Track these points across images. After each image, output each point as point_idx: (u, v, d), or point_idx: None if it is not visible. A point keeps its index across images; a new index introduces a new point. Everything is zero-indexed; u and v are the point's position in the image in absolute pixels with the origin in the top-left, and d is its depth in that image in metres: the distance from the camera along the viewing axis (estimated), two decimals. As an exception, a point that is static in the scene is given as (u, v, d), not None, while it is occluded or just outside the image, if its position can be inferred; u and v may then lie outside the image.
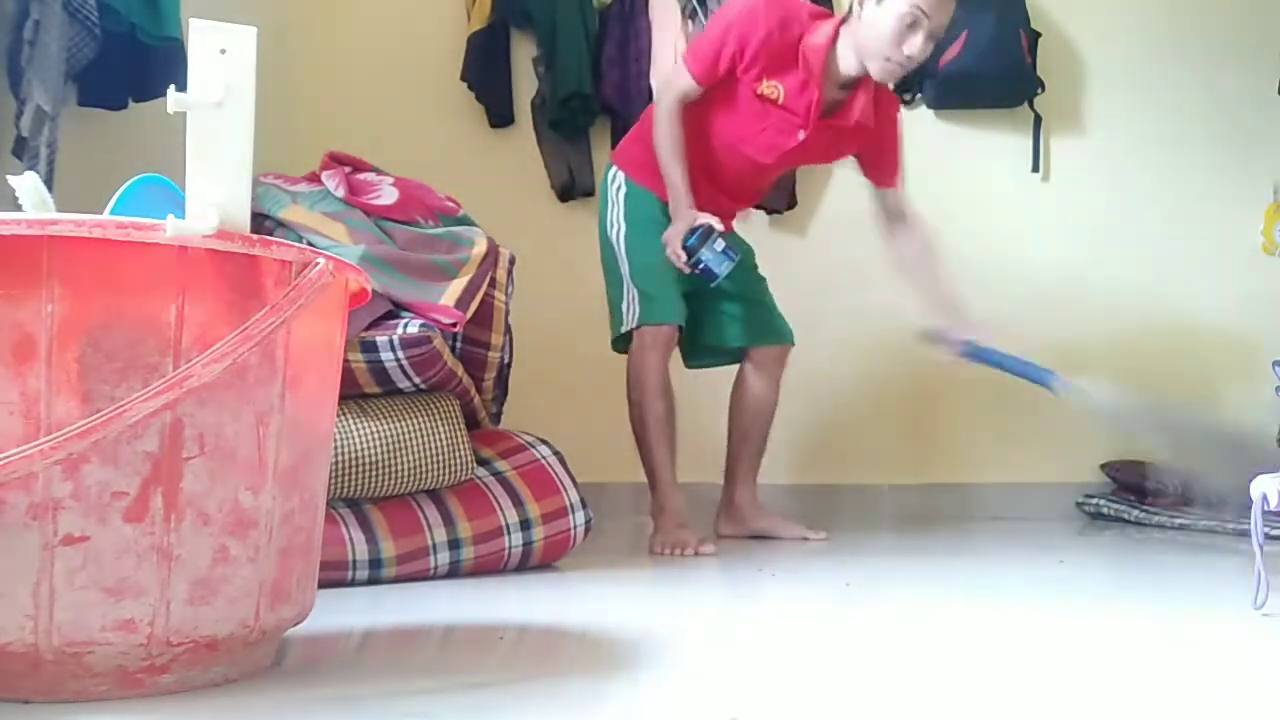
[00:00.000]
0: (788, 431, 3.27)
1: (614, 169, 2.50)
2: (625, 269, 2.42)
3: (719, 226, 2.25)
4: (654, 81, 3.14)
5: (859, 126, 2.35)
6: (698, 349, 2.57)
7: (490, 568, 1.85)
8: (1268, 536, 1.54)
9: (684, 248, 2.24)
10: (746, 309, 2.55)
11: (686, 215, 2.26)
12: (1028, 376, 2.28)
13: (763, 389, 2.56)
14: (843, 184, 3.36)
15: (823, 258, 3.34)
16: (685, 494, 2.43)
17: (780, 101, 2.31)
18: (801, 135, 2.34)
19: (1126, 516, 3.02)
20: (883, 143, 2.44)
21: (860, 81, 2.31)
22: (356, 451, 1.72)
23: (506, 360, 2.11)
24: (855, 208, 3.35)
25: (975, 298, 2.48)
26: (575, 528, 1.92)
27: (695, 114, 2.37)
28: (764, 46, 2.26)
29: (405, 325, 1.73)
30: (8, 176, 1.15)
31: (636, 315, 2.38)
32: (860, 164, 2.52)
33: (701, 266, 2.25)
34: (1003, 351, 2.33)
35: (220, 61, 0.97)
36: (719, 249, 2.25)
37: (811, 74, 2.27)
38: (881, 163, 2.48)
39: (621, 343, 2.45)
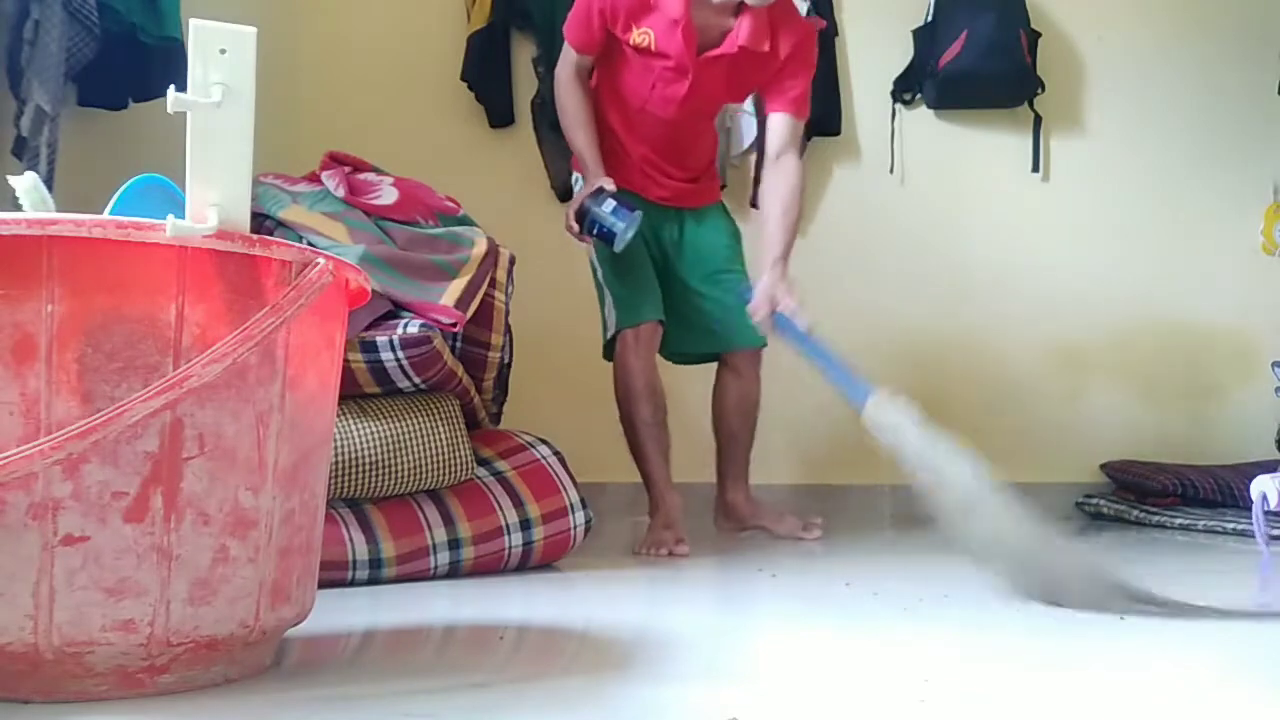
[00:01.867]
0: (788, 432, 3.28)
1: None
2: (600, 275, 2.41)
3: (610, 188, 2.21)
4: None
5: (749, 54, 2.22)
6: (670, 353, 2.54)
7: (490, 568, 1.85)
8: (1271, 537, 1.54)
9: (576, 215, 2.23)
10: (713, 313, 2.47)
11: (590, 182, 2.24)
12: (833, 379, 2.12)
13: (741, 390, 2.52)
14: (842, 184, 3.37)
15: (823, 258, 3.34)
16: (682, 493, 2.42)
17: (654, 48, 2.23)
18: (686, 79, 2.25)
19: (1126, 516, 3.02)
20: (783, 68, 2.28)
21: (743, 7, 2.20)
22: (356, 451, 1.72)
23: (506, 360, 2.11)
24: (855, 208, 3.37)
25: (819, 278, 2.52)
26: (575, 528, 1.92)
27: (608, 90, 2.35)
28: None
29: (405, 325, 1.73)
30: (8, 176, 1.15)
31: (615, 320, 2.37)
32: (761, 94, 2.42)
33: (597, 229, 2.20)
34: (813, 340, 2.19)
35: (220, 61, 0.97)
36: (608, 208, 2.19)
37: (672, 8, 2.17)
38: (777, 87, 2.32)
39: (609, 351, 2.42)
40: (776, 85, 2.32)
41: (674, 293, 2.45)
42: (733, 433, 2.54)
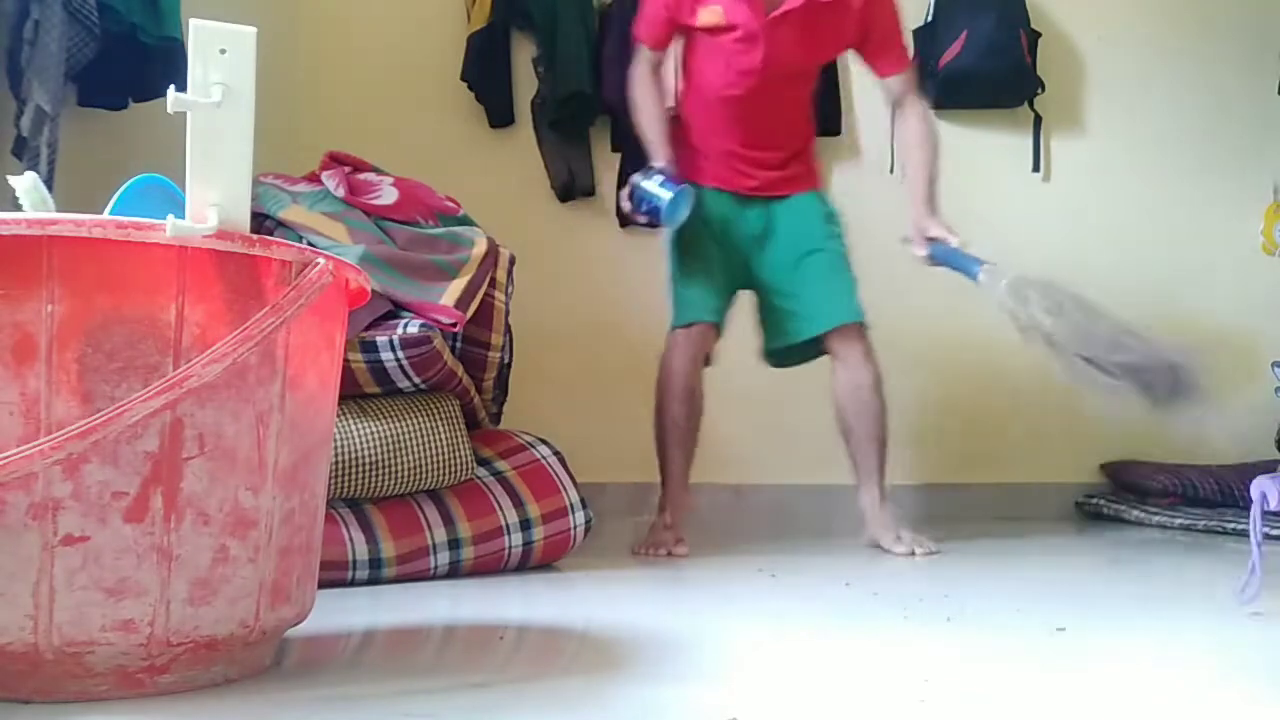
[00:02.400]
0: (787, 432, 3.27)
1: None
2: (668, 271, 2.38)
3: (659, 164, 2.24)
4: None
5: (817, 5, 2.19)
6: (768, 353, 2.48)
7: (490, 568, 1.85)
8: (1267, 536, 1.55)
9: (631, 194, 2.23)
10: (799, 296, 2.38)
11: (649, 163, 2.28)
12: (964, 270, 2.30)
13: (849, 379, 2.36)
14: (842, 184, 3.36)
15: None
16: (696, 498, 2.42)
17: (724, 22, 2.23)
18: (759, 45, 2.23)
19: (1126, 516, 3.02)
20: (872, 25, 2.28)
21: None
22: (356, 451, 1.72)
23: (506, 360, 2.11)
24: (855, 208, 3.36)
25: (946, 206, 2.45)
26: (575, 528, 1.92)
27: (688, 89, 2.39)
28: None
29: (405, 325, 1.74)
30: (8, 176, 1.15)
31: (671, 318, 2.36)
32: (861, 57, 2.39)
33: (645, 205, 2.20)
34: (958, 250, 2.31)
35: (220, 61, 0.97)
36: (655, 181, 2.20)
37: None
38: (876, 49, 2.33)
39: None
40: (869, 49, 2.33)
41: (762, 290, 2.41)
42: (848, 428, 2.39)
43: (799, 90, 2.39)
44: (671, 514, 2.32)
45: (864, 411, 2.35)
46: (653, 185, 2.21)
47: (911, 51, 3.29)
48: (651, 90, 2.37)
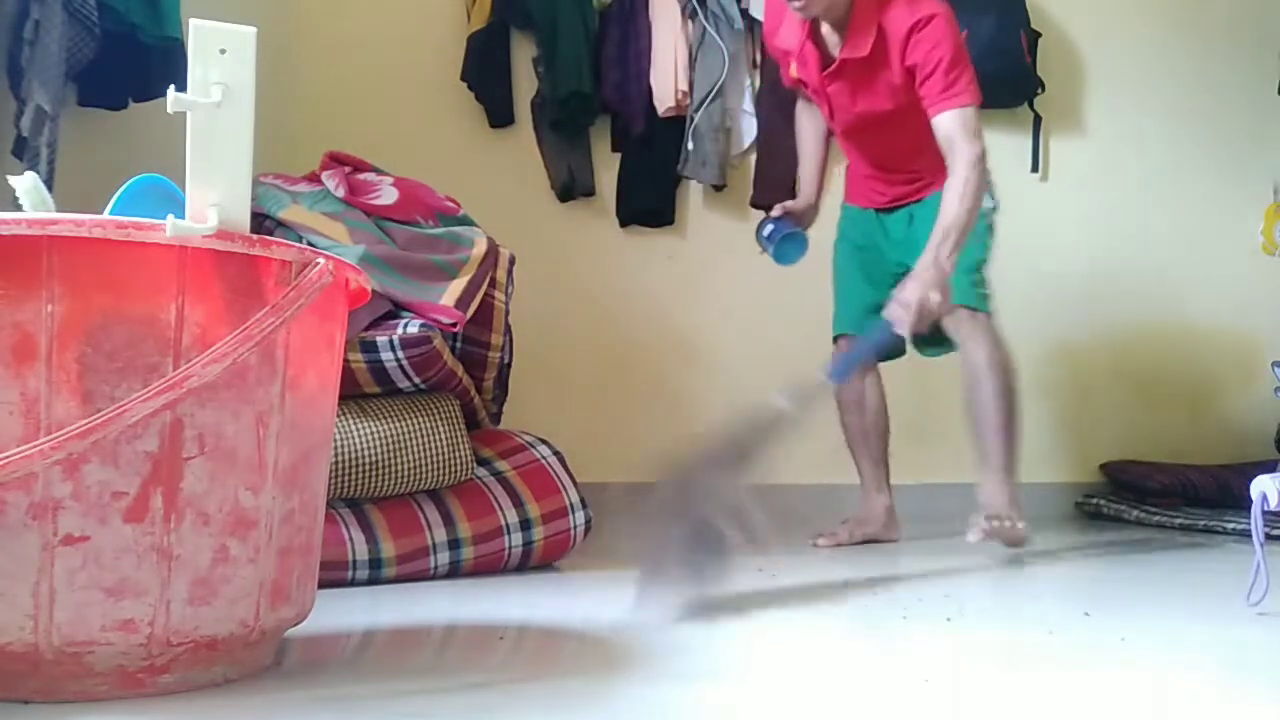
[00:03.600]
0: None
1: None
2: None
3: (776, 211, 2.36)
4: (653, 82, 3.14)
5: (856, 63, 2.18)
6: (923, 348, 2.45)
7: (490, 568, 1.85)
8: (1268, 536, 1.54)
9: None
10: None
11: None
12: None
13: (967, 362, 2.31)
14: (842, 184, 3.36)
15: (823, 258, 3.33)
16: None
17: (799, 77, 2.34)
18: (826, 102, 2.33)
19: (1126, 516, 3.02)
20: (914, 65, 2.15)
21: (851, 17, 2.16)
22: (356, 451, 1.72)
23: (506, 360, 2.11)
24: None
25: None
26: (575, 528, 1.92)
27: None
28: (773, 37, 2.36)
29: (405, 325, 1.73)
30: (8, 176, 1.15)
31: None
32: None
33: (762, 248, 2.36)
34: (868, 341, 2.18)
35: (220, 61, 0.97)
36: (764, 233, 2.34)
37: (792, 38, 2.27)
38: (920, 88, 2.16)
39: None
40: (919, 89, 2.17)
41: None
42: (967, 412, 2.31)
43: (898, 127, 2.28)
44: (860, 511, 2.49)
45: (974, 395, 2.29)
46: (766, 231, 2.35)
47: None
48: (805, 126, 2.50)
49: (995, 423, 2.26)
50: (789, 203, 2.41)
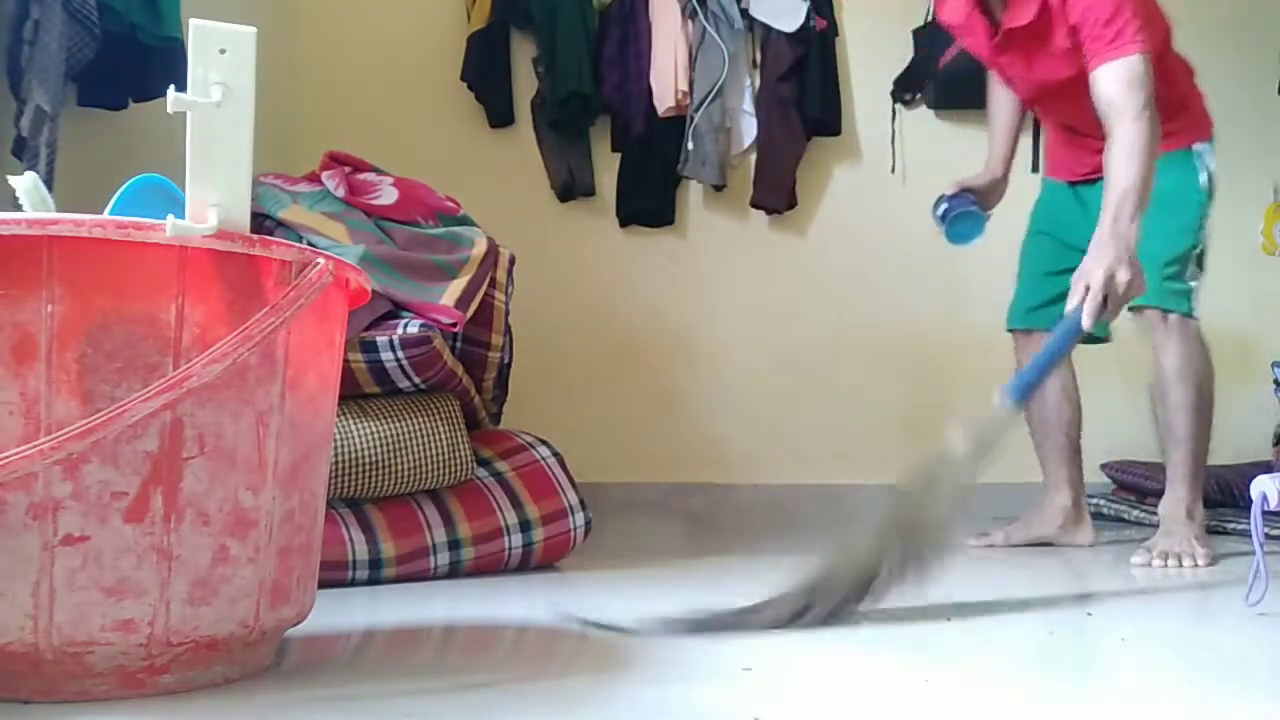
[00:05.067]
0: (786, 432, 3.28)
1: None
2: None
3: (951, 189, 2.22)
4: (653, 82, 3.14)
5: (1018, 32, 2.06)
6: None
7: (490, 568, 1.85)
8: (1268, 536, 1.54)
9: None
10: None
11: None
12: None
13: (1157, 364, 2.16)
14: (842, 184, 3.37)
15: (823, 258, 3.34)
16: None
17: (973, 50, 2.25)
18: (1000, 74, 2.24)
19: (1126, 516, 3.02)
20: (1076, 21, 1.99)
21: None
22: (356, 451, 1.71)
23: (506, 360, 2.11)
24: (855, 208, 3.37)
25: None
26: (575, 529, 1.92)
27: None
28: (940, 11, 2.27)
29: (405, 325, 1.73)
30: (8, 176, 1.15)
31: None
32: None
33: (938, 226, 2.24)
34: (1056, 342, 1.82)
35: (220, 61, 0.97)
36: (938, 211, 2.22)
37: (961, 6, 2.15)
38: (1083, 50, 1.99)
39: None
40: (1083, 51, 1.99)
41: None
42: (1155, 417, 2.18)
43: (1084, 91, 2.04)
44: (1036, 508, 2.36)
45: (1161, 404, 2.15)
46: (940, 209, 2.22)
47: (912, 51, 3.31)
48: (994, 90, 2.36)
49: (1179, 436, 2.12)
50: (968, 178, 2.24)
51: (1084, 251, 1.86)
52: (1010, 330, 2.39)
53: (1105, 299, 1.73)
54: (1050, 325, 2.14)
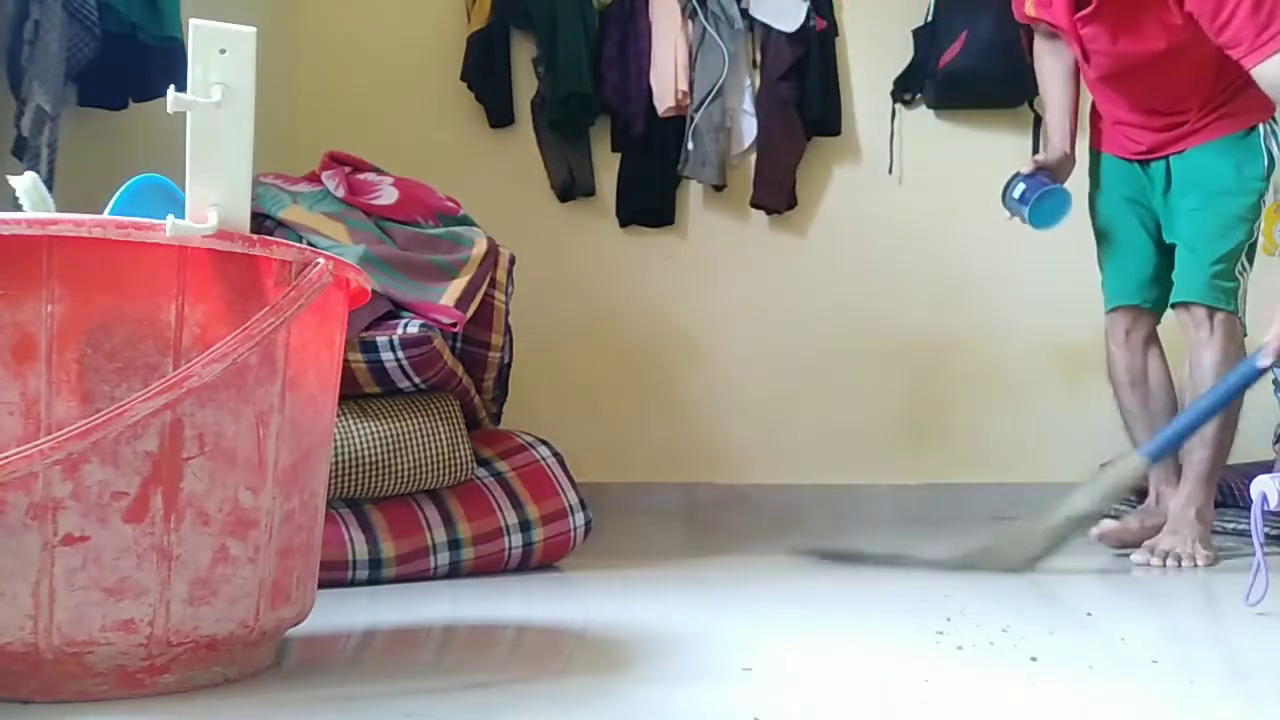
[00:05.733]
0: (786, 432, 3.28)
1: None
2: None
3: (1025, 169, 2.11)
4: (653, 82, 3.14)
5: (1114, 3, 1.96)
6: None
7: (490, 568, 1.85)
8: (1268, 536, 1.54)
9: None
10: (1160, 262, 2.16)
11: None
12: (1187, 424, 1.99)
13: (1191, 360, 2.12)
14: (842, 184, 3.36)
15: (823, 258, 3.34)
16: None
17: (1048, 18, 2.10)
18: (1076, 46, 2.09)
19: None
20: (1190, 13, 1.88)
21: None
22: (356, 451, 1.72)
23: (506, 360, 2.11)
24: (855, 208, 3.37)
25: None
26: (575, 529, 1.92)
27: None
28: None
29: (405, 325, 1.74)
30: (8, 176, 1.15)
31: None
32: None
33: (1012, 213, 2.11)
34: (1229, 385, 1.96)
35: (220, 61, 0.97)
36: (1015, 194, 2.08)
37: None
38: (1218, 38, 1.87)
39: None
40: (1219, 39, 1.88)
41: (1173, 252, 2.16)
42: (1183, 411, 2.13)
43: (1168, 66, 2.01)
44: (1146, 511, 2.31)
45: (1189, 398, 2.12)
46: (1017, 192, 2.09)
47: (912, 51, 3.31)
48: (1048, 65, 2.24)
49: (1205, 435, 2.08)
50: (1040, 156, 2.15)
51: (1153, 212, 2.03)
52: (1115, 308, 2.24)
53: None
54: (1144, 297, 2.16)
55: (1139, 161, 2.20)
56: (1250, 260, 2.14)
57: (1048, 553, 1.97)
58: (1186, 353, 2.14)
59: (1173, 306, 2.14)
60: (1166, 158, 2.15)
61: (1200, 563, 2.03)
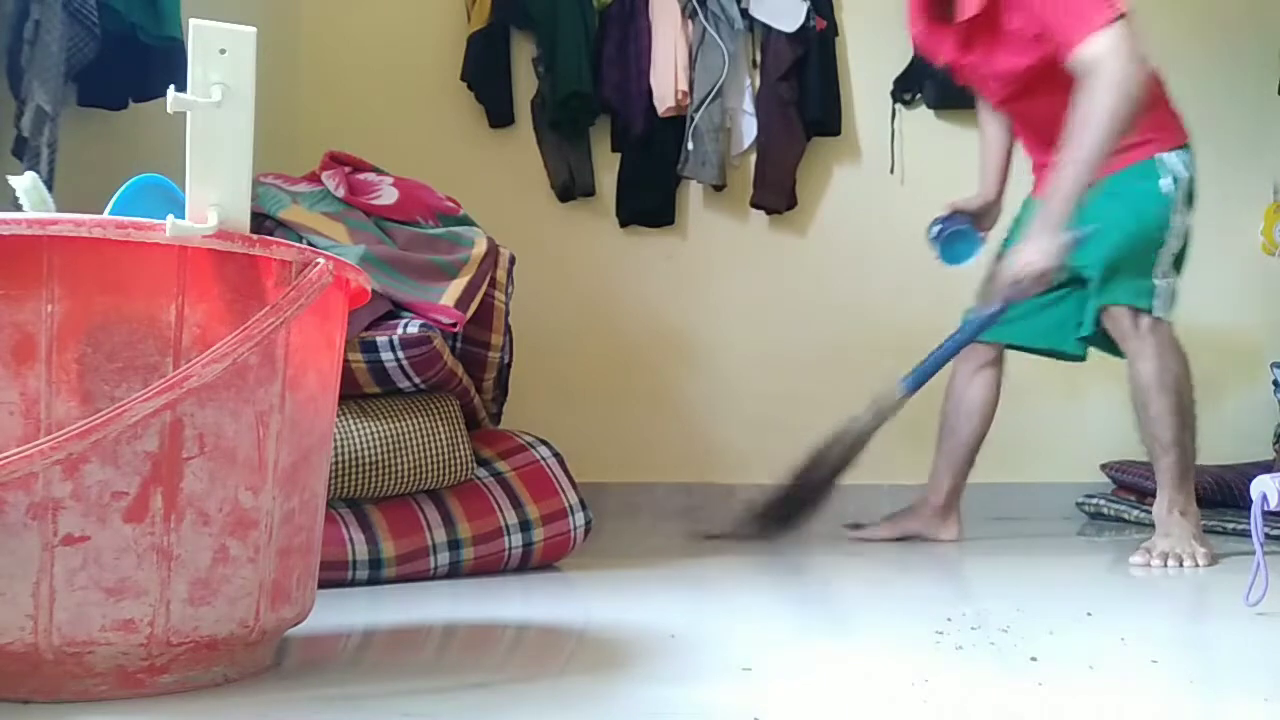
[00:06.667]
0: (786, 432, 3.27)
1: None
2: None
3: (945, 210, 2.28)
4: (653, 82, 3.14)
5: (971, 24, 2.07)
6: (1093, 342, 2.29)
7: (490, 568, 1.85)
8: (1268, 536, 1.55)
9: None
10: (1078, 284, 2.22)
11: None
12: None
13: (1131, 374, 2.19)
14: (842, 184, 3.37)
15: (823, 258, 3.34)
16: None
17: (944, 60, 2.21)
18: (959, 74, 2.21)
19: (1126, 516, 3.02)
20: (1029, 13, 1.99)
21: None
22: (356, 451, 1.72)
23: (506, 360, 2.11)
24: (855, 208, 3.37)
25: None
26: (575, 529, 1.92)
27: None
28: (912, 35, 2.28)
29: (405, 325, 1.73)
30: (8, 176, 1.15)
31: None
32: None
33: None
34: (959, 336, 2.26)
35: (220, 61, 0.97)
36: (932, 232, 2.28)
37: (920, 18, 2.17)
38: (1050, 28, 1.96)
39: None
40: (1050, 35, 1.96)
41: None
42: (1137, 425, 2.23)
43: (1052, 86, 2.03)
44: (917, 503, 2.50)
45: (1142, 413, 2.17)
46: (934, 231, 2.28)
47: (912, 51, 3.31)
48: (984, 114, 2.40)
49: (1165, 442, 2.12)
50: (960, 200, 2.28)
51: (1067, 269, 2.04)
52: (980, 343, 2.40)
53: (1016, 282, 1.94)
54: (1004, 337, 2.34)
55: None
56: (1177, 269, 2.20)
57: (834, 478, 2.31)
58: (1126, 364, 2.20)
59: (1101, 313, 2.17)
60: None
61: (1201, 562, 2.04)
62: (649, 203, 3.25)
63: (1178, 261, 2.17)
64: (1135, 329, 2.13)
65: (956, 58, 2.16)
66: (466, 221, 2.05)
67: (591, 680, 1.11)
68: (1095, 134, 1.86)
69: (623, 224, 3.29)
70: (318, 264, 1.03)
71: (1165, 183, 2.12)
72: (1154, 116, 2.04)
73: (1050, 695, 1.06)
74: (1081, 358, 2.35)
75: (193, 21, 0.98)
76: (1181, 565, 2.03)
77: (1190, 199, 2.16)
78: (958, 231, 2.24)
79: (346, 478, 1.71)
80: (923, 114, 3.38)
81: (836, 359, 3.28)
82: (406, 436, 1.76)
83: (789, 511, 2.25)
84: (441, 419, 1.81)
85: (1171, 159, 2.14)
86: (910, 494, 3.25)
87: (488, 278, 1.93)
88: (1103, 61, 1.86)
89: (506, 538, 1.84)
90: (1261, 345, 3.37)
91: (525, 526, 1.86)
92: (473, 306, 1.87)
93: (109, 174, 1.31)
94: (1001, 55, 2.07)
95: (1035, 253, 1.92)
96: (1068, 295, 2.26)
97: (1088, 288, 2.17)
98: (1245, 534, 2.46)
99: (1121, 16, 1.86)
